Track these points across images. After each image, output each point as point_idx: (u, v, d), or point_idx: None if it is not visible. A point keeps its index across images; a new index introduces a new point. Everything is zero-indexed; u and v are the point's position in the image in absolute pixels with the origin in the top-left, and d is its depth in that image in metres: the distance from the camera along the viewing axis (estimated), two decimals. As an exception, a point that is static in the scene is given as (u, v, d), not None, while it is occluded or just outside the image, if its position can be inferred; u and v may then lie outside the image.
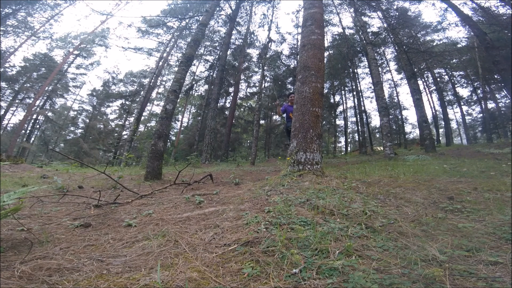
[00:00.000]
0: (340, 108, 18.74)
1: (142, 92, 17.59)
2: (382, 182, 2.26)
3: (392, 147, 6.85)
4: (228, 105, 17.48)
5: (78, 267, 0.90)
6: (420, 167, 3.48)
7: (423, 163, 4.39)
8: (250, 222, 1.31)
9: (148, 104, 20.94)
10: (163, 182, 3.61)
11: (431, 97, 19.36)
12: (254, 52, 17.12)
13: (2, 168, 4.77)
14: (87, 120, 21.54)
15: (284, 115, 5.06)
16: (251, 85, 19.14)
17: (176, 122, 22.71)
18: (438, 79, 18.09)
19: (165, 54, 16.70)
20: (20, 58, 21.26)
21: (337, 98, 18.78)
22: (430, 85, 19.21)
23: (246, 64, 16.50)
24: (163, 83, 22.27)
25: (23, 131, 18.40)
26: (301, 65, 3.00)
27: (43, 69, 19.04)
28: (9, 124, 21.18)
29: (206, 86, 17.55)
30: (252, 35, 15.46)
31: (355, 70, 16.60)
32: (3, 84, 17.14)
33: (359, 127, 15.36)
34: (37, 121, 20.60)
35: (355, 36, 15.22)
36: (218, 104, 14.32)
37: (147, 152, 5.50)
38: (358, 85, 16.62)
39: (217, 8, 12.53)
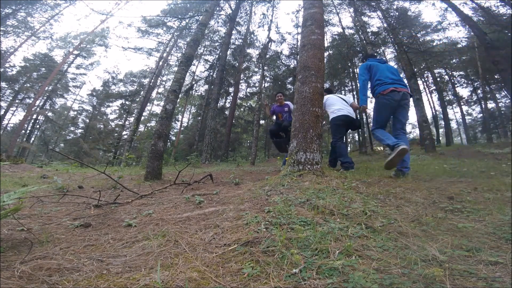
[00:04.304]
0: (340, 108, 18.70)
1: (142, 92, 17.59)
2: (382, 182, 2.26)
3: (392, 147, 6.84)
4: (228, 105, 17.47)
5: (78, 267, 0.90)
6: (420, 167, 3.48)
7: (423, 163, 4.39)
8: (250, 222, 1.31)
9: (148, 104, 20.96)
10: (163, 182, 3.61)
11: (431, 97, 19.38)
12: (254, 52, 17.15)
13: (2, 168, 4.77)
14: (87, 120, 21.55)
15: (274, 117, 4.95)
16: (251, 85, 19.17)
17: (176, 122, 22.72)
18: (438, 79, 18.09)
19: (165, 54, 16.70)
20: (20, 58, 21.29)
21: (337, 98, 18.76)
22: (430, 85, 19.22)
23: (246, 64, 16.51)
24: (163, 83, 22.29)
25: (23, 131, 18.39)
26: (301, 65, 3.00)
27: (43, 69, 19.04)
28: (9, 124, 21.20)
29: (206, 86, 17.56)
30: (252, 35, 15.47)
31: (355, 70, 16.60)
32: (3, 84, 17.14)
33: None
34: (37, 121, 20.61)
35: (355, 36, 15.22)
36: (218, 104, 14.32)
37: (147, 152, 5.50)
38: (358, 85, 16.62)
39: (217, 8, 12.54)
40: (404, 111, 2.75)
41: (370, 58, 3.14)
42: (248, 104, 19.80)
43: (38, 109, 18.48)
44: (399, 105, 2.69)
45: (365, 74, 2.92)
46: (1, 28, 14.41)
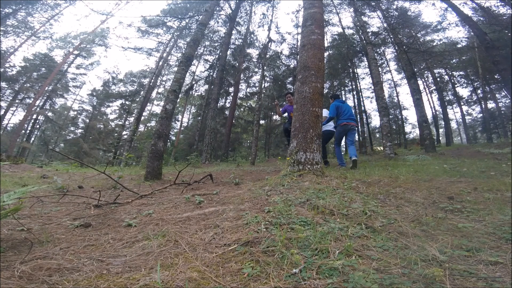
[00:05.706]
0: (340, 108, 18.66)
1: (142, 92, 17.59)
2: (382, 182, 2.26)
3: (392, 147, 6.85)
4: (228, 105, 17.45)
5: (78, 267, 0.90)
6: (420, 167, 3.48)
7: (423, 163, 4.39)
8: (250, 222, 1.31)
9: (148, 104, 20.94)
10: (163, 182, 3.61)
11: (431, 97, 19.39)
12: (254, 52, 17.10)
13: (2, 168, 4.77)
14: (87, 120, 21.55)
15: (285, 115, 5.16)
16: (251, 85, 19.13)
17: (176, 122, 22.70)
18: (438, 79, 18.08)
19: (165, 54, 16.69)
20: (20, 58, 21.23)
21: (337, 98, 18.72)
22: (430, 85, 19.23)
23: (246, 64, 16.48)
24: (163, 83, 22.27)
25: (23, 131, 18.38)
26: (301, 65, 3.00)
27: (43, 69, 19.03)
28: (9, 124, 21.18)
29: (206, 86, 17.54)
30: (252, 35, 15.44)
31: (355, 70, 16.59)
32: (3, 84, 17.13)
33: (359, 127, 15.36)
34: (37, 121, 20.60)
35: (355, 36, 15.21)
36: (218, 104, 14.31)
37: (147, 152, 5.50)
38: (358, 85, 16.62)
39: (217, 8, 12.53)
40: (352, 134, 4.53)
41: (336, 98, 4.69)
42: (248, 104, 19.77)
43: (38, 109, 18.47)
44: (349, 131, 4.49)
45: (334, 112, 4.50)
46: (1, 28, 14.41)
